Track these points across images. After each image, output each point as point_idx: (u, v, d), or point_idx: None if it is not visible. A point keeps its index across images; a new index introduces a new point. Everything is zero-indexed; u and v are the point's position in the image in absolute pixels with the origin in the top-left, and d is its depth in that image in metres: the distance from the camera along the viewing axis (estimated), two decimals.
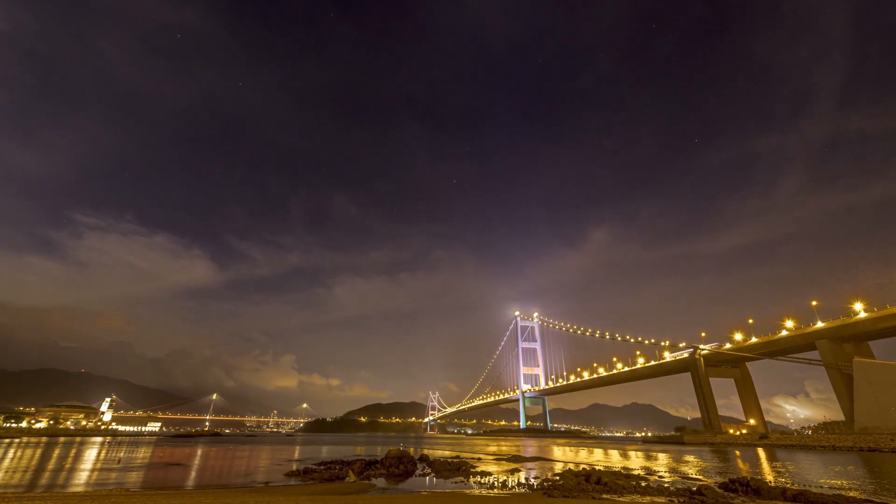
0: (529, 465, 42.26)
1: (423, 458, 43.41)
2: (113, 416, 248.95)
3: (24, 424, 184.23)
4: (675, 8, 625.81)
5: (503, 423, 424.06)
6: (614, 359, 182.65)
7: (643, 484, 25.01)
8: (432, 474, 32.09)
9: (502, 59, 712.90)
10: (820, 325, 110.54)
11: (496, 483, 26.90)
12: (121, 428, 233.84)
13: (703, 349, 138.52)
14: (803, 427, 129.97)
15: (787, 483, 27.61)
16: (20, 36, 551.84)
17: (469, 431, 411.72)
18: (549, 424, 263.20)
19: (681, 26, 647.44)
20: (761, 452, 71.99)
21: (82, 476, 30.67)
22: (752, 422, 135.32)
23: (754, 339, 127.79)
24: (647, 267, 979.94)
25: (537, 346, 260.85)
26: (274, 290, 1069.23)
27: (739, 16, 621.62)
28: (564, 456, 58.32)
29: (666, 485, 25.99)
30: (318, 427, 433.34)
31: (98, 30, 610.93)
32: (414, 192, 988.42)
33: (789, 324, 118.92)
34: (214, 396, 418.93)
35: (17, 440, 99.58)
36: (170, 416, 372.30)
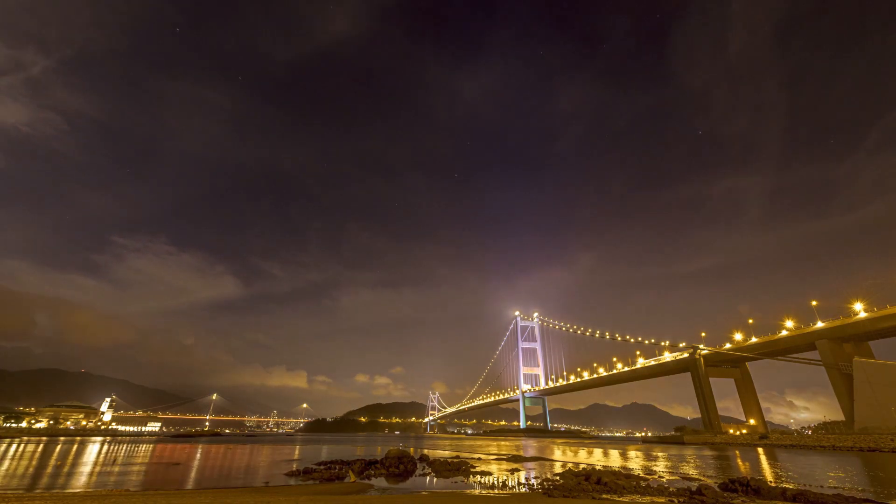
0: (529, 465, 42.24)
1: (423, 458, 43.41)
2: (113, 416, 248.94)
3: (24, 424, 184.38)
4: (621, 97, 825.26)
5: (503, 423, 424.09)
6: (614, 359, 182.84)
7: (643, 484, 25.02)
8: (432, 474, 32.07)
9: (491, 131, 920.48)
10: (820, 325, 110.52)
11: (496, 483, 26.89)
12: (121, 428, 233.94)
13: (703, 349, 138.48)
14: (803, 427, 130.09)
15: (787, 483, 27.62)
16: (112, 121, 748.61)
17: (469, 431, 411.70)
18: (549, 424, 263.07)
19: (629, 110, 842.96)
20: (761, 452, 71.95)
21: (82, 476, 30.67)
22: (752, 422, 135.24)
23: (754, 339, 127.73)
24: (634, 283, 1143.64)
25: (537, 346, 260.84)
26: (288, 302, 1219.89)
27: (676, 102, 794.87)
28: (564, 456, 58.31)
29: (666, 485, 25.97)
30: (318, 427, 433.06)
31: (171, 114, 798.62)
32: (420, 224, 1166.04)
33: (789, 324, 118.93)
34: (214, 396, 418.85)
35: (17, 440, 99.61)
36: (170, 416, 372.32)
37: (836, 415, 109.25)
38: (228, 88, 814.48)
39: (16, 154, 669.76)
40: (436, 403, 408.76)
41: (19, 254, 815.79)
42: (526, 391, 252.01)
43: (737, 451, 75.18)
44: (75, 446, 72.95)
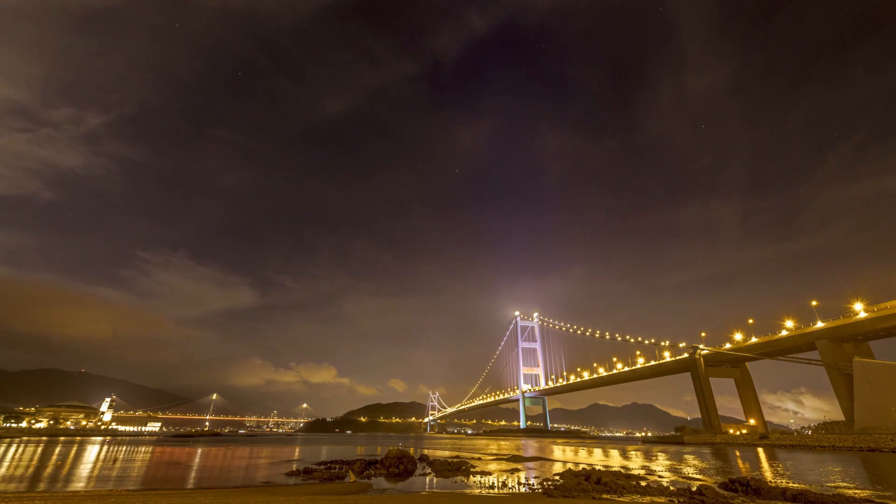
0: (529, 464, 42.25)
1: (423, 458, 43.43)
2: (113, 416, 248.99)
3: (24, 424, 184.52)
4: (595, 143, 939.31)
5: (503, 423, 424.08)
6: (614, 359, 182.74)
7: (643, 484, 25.01)
8: (432, 474, 32.08)
9: (483, 168, 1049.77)
10: (820, 325, 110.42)
11: (496, 483, 26.91)
12: (121, 428, 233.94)
13: (703, 349, 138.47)
14: (803, 427, 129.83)
15: (788, 483, 27.62)
16: (157, 165, 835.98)
17: (469, 431, 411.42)
18: (549, 424, 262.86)
19: (602, 153, 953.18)
20: (761, 452, 71.96)
21: (82, 476, 30.68)
22: (752, 422, 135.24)
23: (754, 339, 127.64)
24: (629, 291, 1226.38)
25: (537, 346, 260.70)
26: (296, 309, 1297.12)
27: (644, 147, 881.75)
28: (564, 456, 58.33)
29: (666, 485, 25.98)
30: (318, 427, 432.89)
31: (211, 158, 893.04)
32: (422, 244, 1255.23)
33: (789, 324, 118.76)
34: (214, 396, 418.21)
35: (17, 440, 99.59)
36: (170, 416, 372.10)
37: (837, 415, 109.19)
38: (261, 138, 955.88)
39: (68, 191, 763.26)
40: (436, 403, 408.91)
41: (52, 270, 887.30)
42: (526, 391, 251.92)
43: (737, 451, 75.18)
44: (75, 446, 72.94)
